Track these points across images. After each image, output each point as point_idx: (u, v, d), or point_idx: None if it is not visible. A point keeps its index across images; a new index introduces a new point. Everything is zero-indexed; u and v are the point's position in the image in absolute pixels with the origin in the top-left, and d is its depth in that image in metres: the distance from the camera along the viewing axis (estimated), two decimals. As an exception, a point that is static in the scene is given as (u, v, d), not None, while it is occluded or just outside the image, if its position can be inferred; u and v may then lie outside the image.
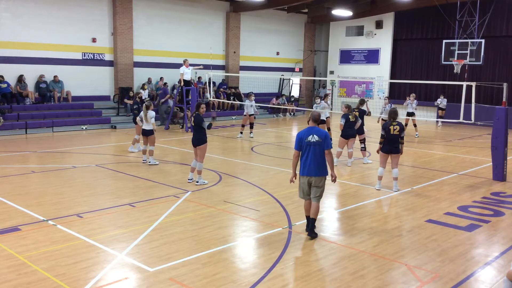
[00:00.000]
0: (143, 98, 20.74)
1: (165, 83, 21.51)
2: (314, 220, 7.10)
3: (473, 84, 11.78)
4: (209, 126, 10.18)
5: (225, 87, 25.00)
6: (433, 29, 25.53)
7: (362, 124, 12.90)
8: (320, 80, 30.94)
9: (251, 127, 17.49)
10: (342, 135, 12.34)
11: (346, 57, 29.25)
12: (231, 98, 23.79)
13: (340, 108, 20.78)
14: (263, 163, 12.81)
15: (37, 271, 5.70)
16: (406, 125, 18.34)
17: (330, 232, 7.44)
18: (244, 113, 17.62)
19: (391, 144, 9.82)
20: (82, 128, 18.66)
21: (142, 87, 21.14)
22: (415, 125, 19.02)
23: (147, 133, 12.19)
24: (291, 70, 29.59)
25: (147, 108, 12.13)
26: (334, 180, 7.10)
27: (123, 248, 6.47)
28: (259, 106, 25.65)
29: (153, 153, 12.26)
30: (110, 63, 20.96)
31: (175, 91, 21.43)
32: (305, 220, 7.69)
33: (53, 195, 9.09)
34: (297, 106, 25.66)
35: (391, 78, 27.13)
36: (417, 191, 10.14)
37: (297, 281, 5.69)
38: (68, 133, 17.74)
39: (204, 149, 10.09)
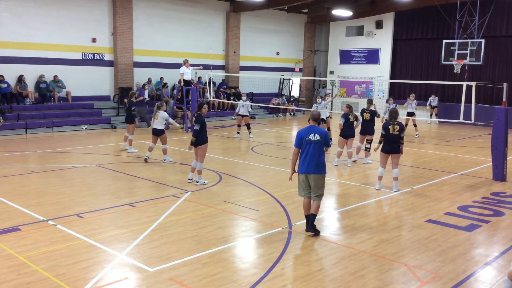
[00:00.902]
0: (143, 98, 20.89)
1: (144, 84, 21.10)
2: (314, 216, 7.15)
3: (473, 84, 11.78)
4: (192, 142, 9.90)
5: (225, 87, 25.01)
6: (433, 29, 25.53)
7: (373, 125, 12.93)
8: (320, 80, 30.95)
9: (248, 128, 17.31)
10: (341, 135, 12.39)
11: (346, 57, 29.25)
12: (231, 98, 23.79)
13: (340, 108, 20.79)
14: (263, 163, 12.81)
15: (37, 271, 5.70)
16: (406, 125, 18.35)
17: (330, 232, 7.44)
18: (236, 112, 17.54)
19: (391, 144, 9.81)
20: (82, 128, 18.66)
21: (142, 87, 21.17)
22: (415, 125, 19.03)
23: (157, 133, 12.39)
24: (291, 70, 29.59)
25: (159, 108, 12.35)
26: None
27: (123, 248, 6.47)
28: (258, 106, 25.73)
29: (166, 151, 12.55)
30: (110, 63, 20.96)
31: (175, 91, 21.46)
32: (305, 220, 7.70)
33: (53, 195, 9.09)
34: (297, 106, 25.65)
35: (391, 78, 27.13)
36: (417, 191, 10.14)
37: (297, 281, 5.69)
38: (68, 133, 17.74)
39: (205, 149, 10.09)
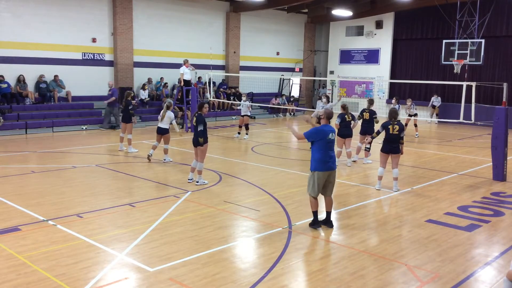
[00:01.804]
0: (143, 98, 20.90)
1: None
2: (330, 213, 7.59)
3: (473, 84, 11.78)
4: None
5: (225, 87, 25.01)
6: (433, 29, 25.53)
7: (372, 125, 12.93)
8: (320, 80, 30.95)
9: (246, 128, 17.23)
10: (338, 134, 12.45)
11: (346, 57, 29.25)
12: (231, 98, 23.79)
13: (337, 108, 20.75)
14: (263, 163, 12.81)
15: (37, 271, 5.70)
16: (406, 125, 18.35)
17: (330, 232, 7.44)
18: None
19: (391, 143, 9.81)
20: (82, 128, 18.66)
21: (143, 87, 21.19)
22: (415, 125, 19.04)
23: (162, 132, 12.39)
24: (291, 70, 29.60)
25: (168, 108, 12.39)
26: None
27: (123, 248, 6.47)
28: (258, 106, 25.73)
29: (167, 151, 12.57)
30: (110, 63, 20.96)
31: (175, 91, 21.47)
32: (306, 220, 7.71)
33: (53, 195, 9.09)
34: (297, 106, 25.65)
35: (391, 78, 27.13)
36: (417, 191, 10.14)
37: (297, 281, 5.69)
38: (68, 133, 17.74)
39: (205, 149, 10.09)
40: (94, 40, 20.26)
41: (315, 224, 7.46)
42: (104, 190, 9.67)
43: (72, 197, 9.01)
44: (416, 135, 18.85)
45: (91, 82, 20.38)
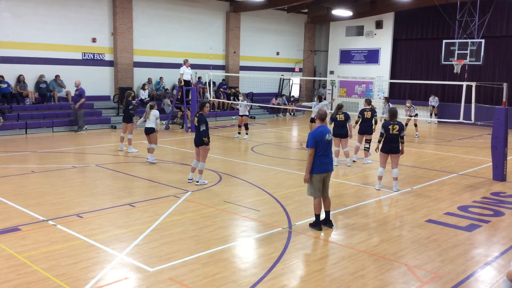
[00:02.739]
0: (143, 98, 20.90)
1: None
2: (329, 212, 7.63)
3: (473, 84, 11.78)
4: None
5: (225, 87, 25.01)
6: (433, 29, 25.53)
7: (372, 124, 12.93)
8: (320, 80, 30.95)
9: (246, 128, 17.21)
10: (333, 134, 12.51)
11: (346, 57, 29.25)
12: (231, 98, 23.79)
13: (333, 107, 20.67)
14: (263, 163, 12.81)
15: (37, 271, 5.70)
16: (406, 125, 18.36)
17: (330, 232, 7.44)
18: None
19: (391, 143, 9.81)
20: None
21: (142, 87, 21.19)
22: (415, 125, 19.04)
23: (148, 132, 12.27)
24: (291, 70, 29.59)
25: (151, 108, 12.32)
26: None
27: (123, 248, 6.47)
28: (258, 106, 25.73)
29: (153, 151, 12.37)
30: (110, 63, 20.96)
31: (174, 91, 21.47)
32: (306, 220, 7.71)
33: (53, 195, 9.09)
34: (297, 106, 25.63)
35: (391, 78, 27.12)
36: (417, 191, 10.14)
37: (297, 281, 5.69)
38: (68, 133, 17.74)
39: (207, 149, 10.10)
40: (94, 40, 20.25)
41: (317, 225, 7.45)
42: (104, 190, 9.67)
43: (72, 197, 9.01)
44: (416, 135, 18.85)
45: (91, 82, 20.34)
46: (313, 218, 7.52)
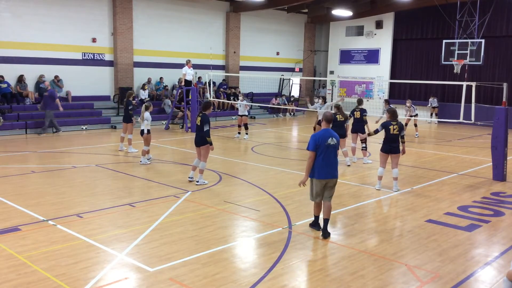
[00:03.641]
0: (143, 98, 20.88)
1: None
2: (328, 220, 7.16)
3: (473, 84, 11.78)
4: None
5: (225, 87, 25.01)
6: (433, 29, 25.54)
7: (363, 123, 12.95)
8: (320, 80, 30.95)
9: (245, 128, 17.20)
10: None
11: (346, 57, 29.25)
12: (231, 98, 23.79)
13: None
14: (263, 163, 12.81)
15: (37, 271, 5.70)
16: (406, 125, 18.35)
17: (330, 232, 7.44)
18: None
19: (391, 143, 9.81)
20: (82, 128, 18.66)
21: (142, 87, 21.19)
22: (415, 125, 19.04)
23: (142, 133, 12.24)
24: (291, 70, 29.60)
25: (146, 108, 12.23)
26: None
27: (123, 248, 6.47)
28: (258, 106, 25.73)
29: (145, 153, 12.27)
30: (110, 63, 20.96)
31: (174, 91, 21.46)
32: (306, 220, 7.70)
33: (53, 195, 9.09)
34: (297, 106, 25.65)
35: (391, 78, 27.13)
36: (417, 191, 10.14)
37: (297, 281, 5.69)
38: (68, 133, 17.73)
39: (209, 149, 10.11)
40: (94, 40, 20.26)
41: (316, 225, 7.40)
42: (104, 190, 9.67)
43: (72, 197, 9.01)
44: (416, 135, 18.85)
45: (91, 82, 20.38)
46: (313, 218, 7.52)
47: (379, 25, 27.45)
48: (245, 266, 6.05)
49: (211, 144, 9.98)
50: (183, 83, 19.06)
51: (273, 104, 25.37)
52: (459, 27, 20.72)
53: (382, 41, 27.55)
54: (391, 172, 10.13)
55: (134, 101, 14.89)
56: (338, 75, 29.30)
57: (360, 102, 13.36)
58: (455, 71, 20.80)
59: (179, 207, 8.47)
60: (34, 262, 5.93)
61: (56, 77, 19.01)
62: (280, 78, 28.33)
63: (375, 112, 19.46)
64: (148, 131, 12.15)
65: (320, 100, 15.20)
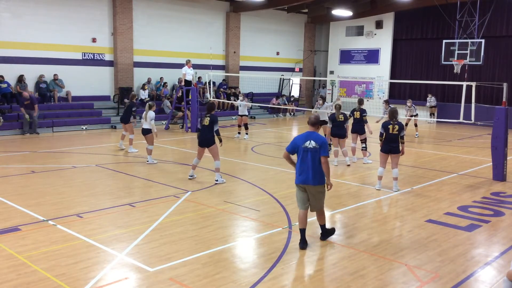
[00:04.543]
0: (143, 98, 20.89)
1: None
2: (323, 226, 6.89)
3: (473, 84, 11.77)
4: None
5: (225, 87, 25.00)
6: (433, 29, 25.54)
7: (363, 124, 12.95)
8: (320, 80, 30.94)
9: (245, 128, 17.21)
10: (331, 134, 12.58)
11: (346, 57, 29.25)
12: (231, 98, 23.80)
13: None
14: (263, 163, 12.81)
15: (37, 271, 5.70)
16: (406, 125, 18.36)
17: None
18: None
19: (391, 143, 9.81)
20: (82, 128, 18.66)
21: (142, 87, 21.19)
22: (415, 125, 19.04)
23: (144, 132, 12.26)
24: (291, 70, 29.59)
25: (150, 108, 12.24)
26: (329, 189, 6.77)
27: (123, 248, 6.47)
28: (258, 106, 25.72)
29: (151, 152, 12.33)
30: (110, 63, 20.96)
31: (174, 91, 21.46)
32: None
33: (53, 195, 9.09)
34: (297, 106, 25.65)
35: (391, 78, 27.13)
36: (417, 191, 10.14)
37: (297, 281, 5.69)
38: (68, 133, 17.74)
39: (216, 148, 10.26)
40: (94, 40, 20.26)
41: (300, 242, 6.65)
42: (104, 190, 9.67)
43: (72, 197, 9.01)
44: (416, 135, 18.85)
45: (91, 82, 20.38)
46: (313, 218, 7.51)
47: (379, 25, 27.45)
48: (245, 266, 6.05)
49: (221, 141, 10.26)
50: (183, 83, 19.04)
51: (273, 104, 25.37)
52: (459, 27, 20.72)
53: (382, 41, 27.55)
54: (391, 172, 10.13)
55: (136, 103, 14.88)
56: (338, 75, 29.30)
57: (360, 102, 13.36)
58: (455, 71, 20.80)
59: (179, 207, 8.47)
60: (34, 262, 5.93)
61: (55, 76, 19.00)
62: (280, 78, 28.33)
63: (375, 112, 19.45)
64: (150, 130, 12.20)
65: (320, 101, 15.19)
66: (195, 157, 10.52)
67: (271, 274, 5.77)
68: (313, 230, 7.38)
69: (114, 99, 20.77)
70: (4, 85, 17.58)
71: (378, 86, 28.02)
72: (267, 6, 24.32)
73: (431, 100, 23.48)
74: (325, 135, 14.49)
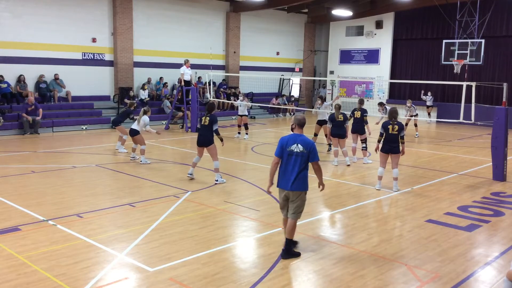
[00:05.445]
0: (143, 98, 20.90)
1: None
2: (289, 240, 6.24)
3: (473, 84, 11.77)
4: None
5: (225, 87, 25.00)
6: (433, 29, 25.54)
7: (363, 124, 12.96)
8: (320, 80, 30.95)
9: (245, 128, 17.21)
10: (331, 134, 12.61)
11: (346, 57, 29.25)
12: (231, 98, 23.80)
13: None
14: (263, 163, 12.81)
15: (37, 271, 5.70)
16: (406, 124, 18.36)
17: (330, 232, 7.44)
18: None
19: (391, 143, 9.81)
20: (82, 128, 18.66)
21: (142, 87, 21.19)
22: (415, 125, 19.04)
23: (132, 133, 12.22)
24: (291, 70, 29.59)
25: (145, 113, 12.24)
26: (322, 189, 6.47)
27: (123, 248, 6.47)
28: (258, 106, 25.72)
29: (144, 152, 12.29)
30: (110, 63, 20.96)
31: (174, 91, 21.46)
32: (305, 220, 7.69)
33: (53, 195, 9.09)
34: (297, 106, 25.65)
35: (391, 78, 27.13)
36: (417, 191, 10.14)
37: (297, 281, 5.69)
38: (68, 133, 17.73)
39: (215, 148, 10.29)
40: (94, 40, 20.26)
41: (282, 250, 6.28)
42: (104, 190, 9.67)
43: (72, 197, 9.01)
44: (416, 135, 18.85)
45: (91, 82, 20.38)
46: (313, 218, 7.51)
47: (379, 25, 27.45)
48: (245, 266, 6.05)
49: (222, 140, 10.45)
50: (182, 83, 19.05)
51: (273, 104, 25.37)
52: (459, 27, 20.72)
53: (382, 41, 27.55)
54: (391, 172, 10.13)
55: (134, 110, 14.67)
56: (338, 75, 29.29)
57: (361, 102, 13.36)
58: (455, 71, 20.81)
59: (179, 207, 8.47)
60: (34, 262, 5.93)
61: (55, 75, 19.00)
62: (280, 78, 28.33)
63: (375, 112, 19.43)
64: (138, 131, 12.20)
65: (319, 100, 15.19)
66: (196, 156, 10.55)
67: (271, 274, 5.77)
68: (313, 230, 7.39)
69: (114, 99, 20.77)
70: (4, 85, 17.58)
71: (378, 86, 28.02)
72: (267, 6, 24.32)
73: (428, 99, 23.40)
74: (325, 135, 14.52)
